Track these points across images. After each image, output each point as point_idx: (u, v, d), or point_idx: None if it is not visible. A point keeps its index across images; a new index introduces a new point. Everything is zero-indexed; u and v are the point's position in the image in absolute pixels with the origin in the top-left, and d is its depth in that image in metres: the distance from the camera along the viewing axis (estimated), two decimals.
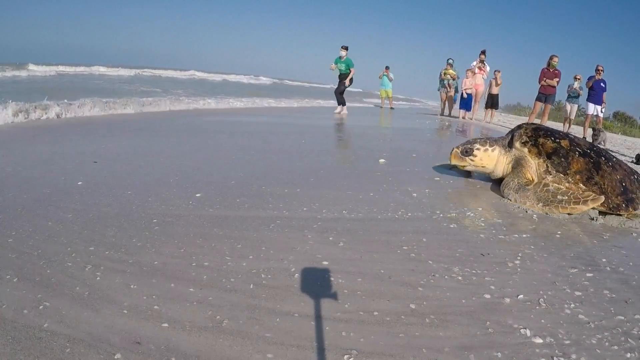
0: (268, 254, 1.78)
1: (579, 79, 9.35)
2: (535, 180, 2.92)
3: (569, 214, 2.59)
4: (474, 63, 11.22)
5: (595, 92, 8.31)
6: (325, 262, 1.72)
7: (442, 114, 13.00)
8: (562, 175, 2.79)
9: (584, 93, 9.03)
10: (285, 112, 10.82)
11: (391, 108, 14.73)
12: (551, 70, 8.72)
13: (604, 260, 1.91)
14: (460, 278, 1.64)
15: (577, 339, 1.28)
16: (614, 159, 3.03)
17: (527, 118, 9.38)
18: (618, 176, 2.82)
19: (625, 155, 6.83)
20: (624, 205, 2.71)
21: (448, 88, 12.29)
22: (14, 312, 1.28)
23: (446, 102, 12.74)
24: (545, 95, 8.85)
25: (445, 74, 12.11)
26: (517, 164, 3.01)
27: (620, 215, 2.71)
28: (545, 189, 2.78)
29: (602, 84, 8.42)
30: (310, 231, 2.05)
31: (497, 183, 3.15)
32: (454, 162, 3.22)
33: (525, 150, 2.98)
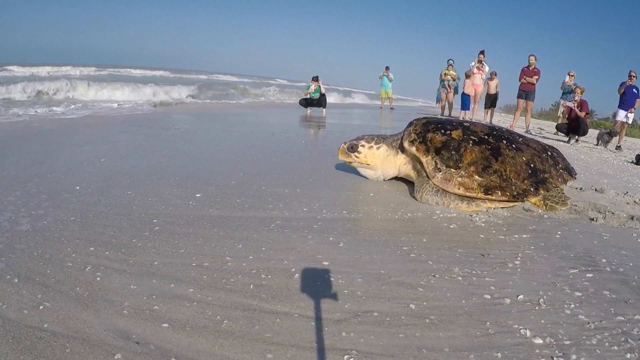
0: (268, 254, 1.78)
1: (572, 75, 9.36)
2: (424, 180, 2.68)
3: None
4: (473, 64, 11.23)
5: (627, 98, 8.08)
6: (325, 262, 1.72)
7: (442, 115, 13.01)
8: (453, 170, 2.55)
9: (606, 98, 8.92)
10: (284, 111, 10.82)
11: (391, 108, 14.74)
12: (530, 68, 8.96)
13: (604, 260, 1.91)
14: (460, 278, 1.64)
15: (577, 339, 1.28)
16: (520, 140, 2.79)
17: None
18: (524, 158, 2.58)
19: (626, 156, 6.83)
20: (532, 189, 2.48)
21: (448, 89, 12.30)
22: (14, 312, 1.29)
23: (446, 103, 12.75)
24: (525, 92, 9.14)
25: (445, 74, 12.12)
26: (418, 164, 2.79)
27: (528, 200, 2.49)
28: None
29: (634, 90, 8.13)
30: (310, 231, 2.05)
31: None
32: (340, 157, 3.09)
33: (414, 149, 2.74)
